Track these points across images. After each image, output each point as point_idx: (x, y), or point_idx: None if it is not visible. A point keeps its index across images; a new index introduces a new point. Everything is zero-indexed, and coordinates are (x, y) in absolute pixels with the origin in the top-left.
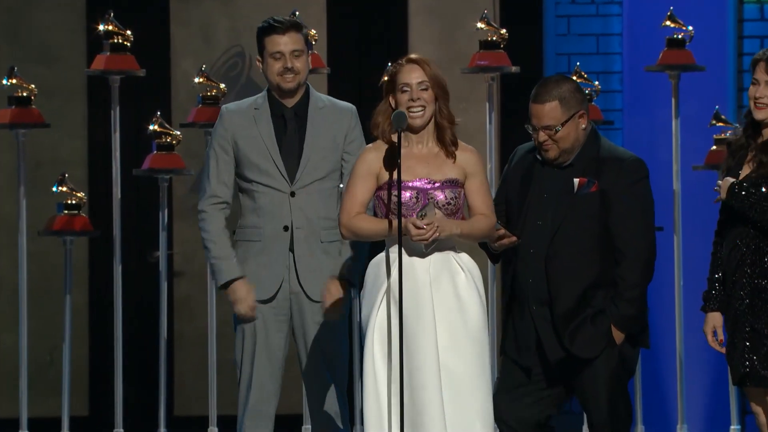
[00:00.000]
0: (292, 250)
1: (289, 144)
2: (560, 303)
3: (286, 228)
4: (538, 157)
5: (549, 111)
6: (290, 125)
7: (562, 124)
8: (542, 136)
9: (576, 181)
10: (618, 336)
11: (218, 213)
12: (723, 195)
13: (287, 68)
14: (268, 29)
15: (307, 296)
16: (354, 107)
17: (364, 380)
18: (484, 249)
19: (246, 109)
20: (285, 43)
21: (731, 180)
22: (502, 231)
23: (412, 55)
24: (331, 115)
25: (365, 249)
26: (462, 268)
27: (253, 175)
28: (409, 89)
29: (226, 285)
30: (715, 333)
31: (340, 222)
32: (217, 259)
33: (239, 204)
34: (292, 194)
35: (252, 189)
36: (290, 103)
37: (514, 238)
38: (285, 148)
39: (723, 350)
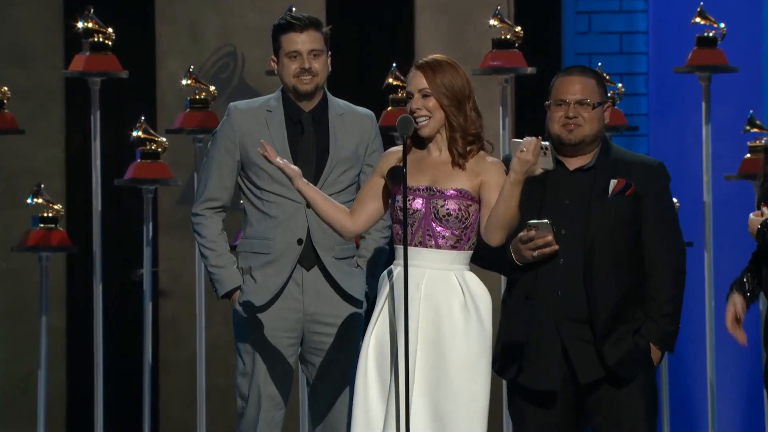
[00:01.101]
0: (304, 265)
1: (305, 151)
2: (600, 318)
3: (300, 241)
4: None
5: (585, 85)
6: (307, 131)
7: (597, 105)
8: (574, 110)
9: (613, 182)
10: (657, 356)
11: (215, 216)
12: (753, 234)
13: (304, 69)
14: (285, 26)
15: (319, 317)
16: (373, 114)
17: (354, 397)
18: (493, 265)
19: (257, 110)
20: (303, 41)
21: (759, 220)
22: (539, 238)
23: (422, 60)
24: (352, 122)
25: (380, 263)
26: (462, 289)
27: (264, 183)
28: (412, 97)
29: (228, 294)
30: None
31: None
32: (216, 267)
33: (241, 213)
34: (308, 205)
35: (262, 197)
36: (307, 107)
37: (556, 247)
38: (301, 155)
39: (742, 337)
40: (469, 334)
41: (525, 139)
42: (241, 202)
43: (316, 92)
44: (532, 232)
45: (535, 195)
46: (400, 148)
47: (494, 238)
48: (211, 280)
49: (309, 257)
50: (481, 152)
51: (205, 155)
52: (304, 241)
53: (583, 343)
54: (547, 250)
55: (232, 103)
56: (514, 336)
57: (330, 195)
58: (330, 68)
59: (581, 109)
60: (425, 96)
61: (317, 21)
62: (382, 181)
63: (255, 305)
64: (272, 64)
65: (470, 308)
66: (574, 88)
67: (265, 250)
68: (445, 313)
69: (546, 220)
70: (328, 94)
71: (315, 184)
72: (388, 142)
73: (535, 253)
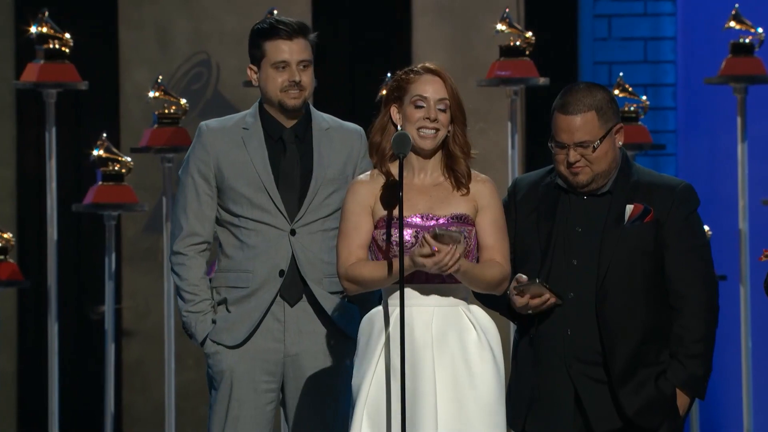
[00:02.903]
0: (287, 300)
1: (288, 172)
2: (617, 360)
3: (282, 273)
4: (559, 183)
5: (584, 124)
6: (290, 149)
7: (601, 140)
8: (574, 155)
9: (629, 208)
10: (684, 402)
11: (198, 257)
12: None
13: (294, 82)
14: (270, 32)
15: (303, 359)
16: (362, 130)
17: None
18: (492, 305)
19: (232, 128)
20: (292, 51)
21: None
22: (534, 298)
23: (430, 64)
24: (339, 139)
25: (375, 298)
26: (474, 326)
27: (242, 210)
28: (425, 105)
29: (205, 340)
30: None
31: (338, 274)
32: (195, 314)
33: (219, 246)
34: (293, 232)
35: (239, 225)
36: (289, 122)
37: (558, 302)
38: (283, 177)
39: None
40: (486, 377)
41: (414, 256)
42: (215, 231)
43: (302, 107)
44: (526, 299)
45: (545, 223)
46: (365, 177)
47: (485, 293)
48: (184, 325)
49: (293, 291)
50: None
51: (178, 183)
52: (286, 272)
53: (599, 385)
54: (545, 307)
55: (203, 123)
56: (523, 381)
57: (316, 220)
58: (315, 80)
59: (583, 151)
60: (442, 108)
61: (306, 27)
62: (371, 218)
63: (228, 344)
64: (250, 74)
65: (484, 346)
66: (571, 128)
67: (242, 283)
68: (459, 356)
69: (535, 279)
70: (312, 107)
71: (299, 209)
72: None
73: (531, 306)
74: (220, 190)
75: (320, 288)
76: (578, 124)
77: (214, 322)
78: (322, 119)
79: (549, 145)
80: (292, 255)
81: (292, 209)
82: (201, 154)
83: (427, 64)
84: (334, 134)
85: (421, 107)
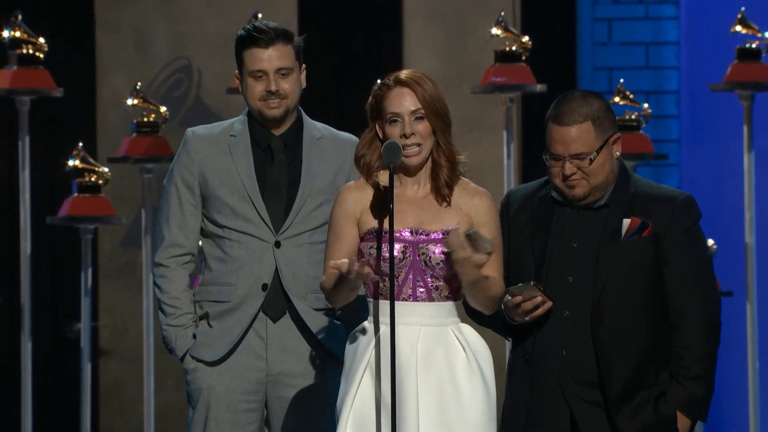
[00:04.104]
0: (270, 315)
1: (275, 182)
2: (614, 382)
3: (264, 287)
4: (554, 196)
5: (579, 135)
6: (278, 158)
7: (597, 151)
8: (570, 167)
9: (626, 222)
10: (684, 425)
11: (181, 270)
12: None
13: (271, 92)
14: (246, 40)
15: (287, 378)
16: (357, 140)
17: None
18: (485, 321)
19: (218, 135)
20: (269, 58)
21: None
22: (526, 302)
23: (402, 74)
24: (331, 148)
25: (362, 316)
26: (463, 346)
27: (226, 220)
28: (399, 120)
29: (185, 357)
30: None
31: (322, 287)
32: (175, 327)
33: (203, 258)
34: (277, 244)
35: (223, 236)
36: (278, 130)
37: (549, 303)
38: (269, 186)
39: None
40: (476, 400)
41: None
42: (200, 243)
43: (288, 116)
44: (518, 298)
45: (539, 238)
46: (353, 184)
47: (481, 310)
48: (164, 340)
49: (276, 306)
50: (461, 180)
51: (161, 193)
52: (269, 286)
53: (595, 408)
54: (539, 311)
55: (189, 129)
56: (517, 403)
57: (303, 233)
58: (305, 84)
59: (580, 163)
60: (418, 119)
61: (286, 32)
62: (356, 228)
63: (207, 360)
64: (236, 82)
65: (474, 368)
66: (566, 139)
67: (223, 297)
68: (447, 378)
69: (530, 282)
70: (304, 115)
71: (285, 220)
72: None
73: (527, 318)
74: (205, 198)
75: (304, 303)
76: (573, 135)
77: (194, 336)
78: (315, 128)
79: (543, 157)
80: (276, 268)
81: (278, 220)
82: (186, 161)
83: (399, 74)
84: (326, 144)
85: (396, 123)
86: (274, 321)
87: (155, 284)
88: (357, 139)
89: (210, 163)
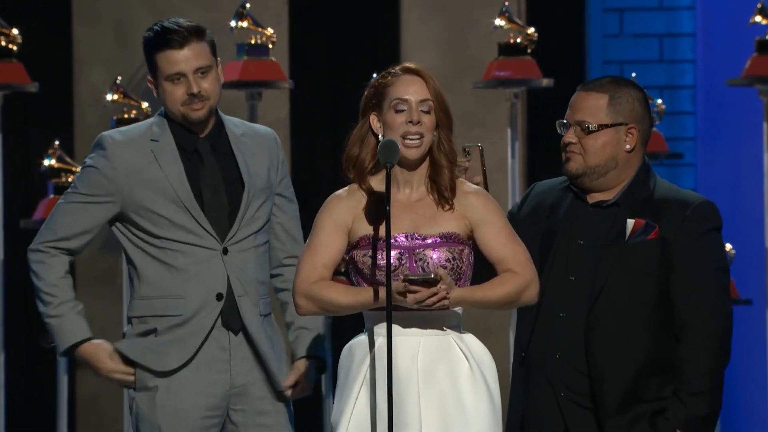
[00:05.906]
0: (231, 327)
1: (212, 187)
2: (606, 392)
3: (220, 296)
4: (573, 188)
5: (590, 103)
6: (208, 162)
7: (600, 127)
8: (570, 135)
9: (630, 222)
10: None
11: (60, 257)
12: None
13: (193, 94)
14: (157, 42)
15: (252, 388)
16: (273, 132)
17: None
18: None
19: (139, 141)
20: (186, 59)
21: None
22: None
23: (410, 64)
24: (256, 144)
25: (319, 319)
26: (466, 357)
27: (164, 231)
28: (406, 108)
29: (72, 349)
30: None
31: (295, 290)
32: (55, 318)
33: (133, 269)
34: (225, 251)
35: (163, 246)
36: (203, 133)
37: (468, 165)
38: (206, 193)
39: None
40: (480, 414)
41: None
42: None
43: (211, 117)
44: (466, 162)
45: (548, 233)
46: (343, 193)
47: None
48: (49, 332)
49: (235, 316)
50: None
51: (66, 191)
52: (225, 295)
53: (589, 414)
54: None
55: (105, 133)
56: (514, 405)
57: (248, 236)
58: (223, 79)
59: (579, 132)
60: (425, 110)
61: (199, 28)
62: (345, 237)
63: (157, 370)
64: (149, 86)
65: (477, 379)
66: (577, 103)
67: (173, 311)
68: (449, 390)
69: (477, 144)
70: (220, 113)
71: (231, 226)
72: None
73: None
74: (132, 211)
75: (257, 312)
76: (584, 101)
77: (90, 337)
78: (233, 124)
79: (557, 123)
80: (227, 276)
81: (222, 227)
82: (106, 170)
83: (406, 64)
84: (248, 140)
85: (402, 111)
86: (236, 332)
87: (31, 271)
88: (273, 131)
89: (136, 173)
